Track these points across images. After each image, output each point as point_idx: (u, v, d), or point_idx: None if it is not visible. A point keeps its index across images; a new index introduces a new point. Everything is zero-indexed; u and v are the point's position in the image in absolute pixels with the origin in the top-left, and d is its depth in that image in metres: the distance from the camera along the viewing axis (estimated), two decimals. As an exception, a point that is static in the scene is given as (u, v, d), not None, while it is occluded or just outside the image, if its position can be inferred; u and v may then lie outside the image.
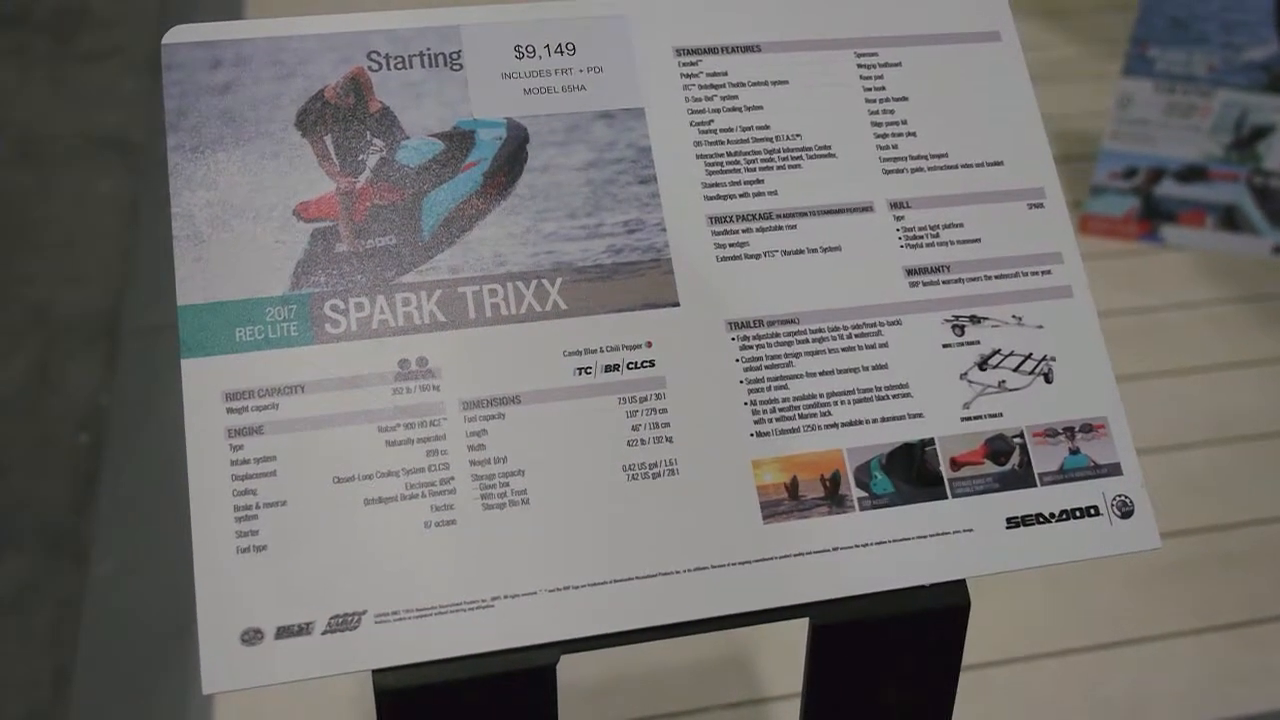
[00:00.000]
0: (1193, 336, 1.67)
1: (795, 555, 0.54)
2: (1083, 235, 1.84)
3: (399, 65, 0.59)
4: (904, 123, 0.62)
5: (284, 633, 0.50)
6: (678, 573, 0.53)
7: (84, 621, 1.28)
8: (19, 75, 2.16)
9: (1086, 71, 2.19)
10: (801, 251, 0.59)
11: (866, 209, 0.60)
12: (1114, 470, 0.59)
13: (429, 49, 0.59)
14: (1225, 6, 1.67)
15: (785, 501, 0.55)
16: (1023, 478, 0.58)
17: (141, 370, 1.58)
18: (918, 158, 0.62)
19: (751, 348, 0.57)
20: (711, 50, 0.61)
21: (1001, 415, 0.58)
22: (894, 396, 0.58)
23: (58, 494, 1.44)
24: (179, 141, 0.56)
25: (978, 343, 0.59)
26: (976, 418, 0.58)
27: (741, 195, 0.59)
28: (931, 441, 0.57)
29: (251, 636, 0.50)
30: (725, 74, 0.61)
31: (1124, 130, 1.78)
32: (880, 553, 0.55)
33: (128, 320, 1.67)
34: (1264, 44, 1.68)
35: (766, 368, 0.57)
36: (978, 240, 0.61)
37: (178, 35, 0.58)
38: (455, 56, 0.59)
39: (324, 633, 0.50)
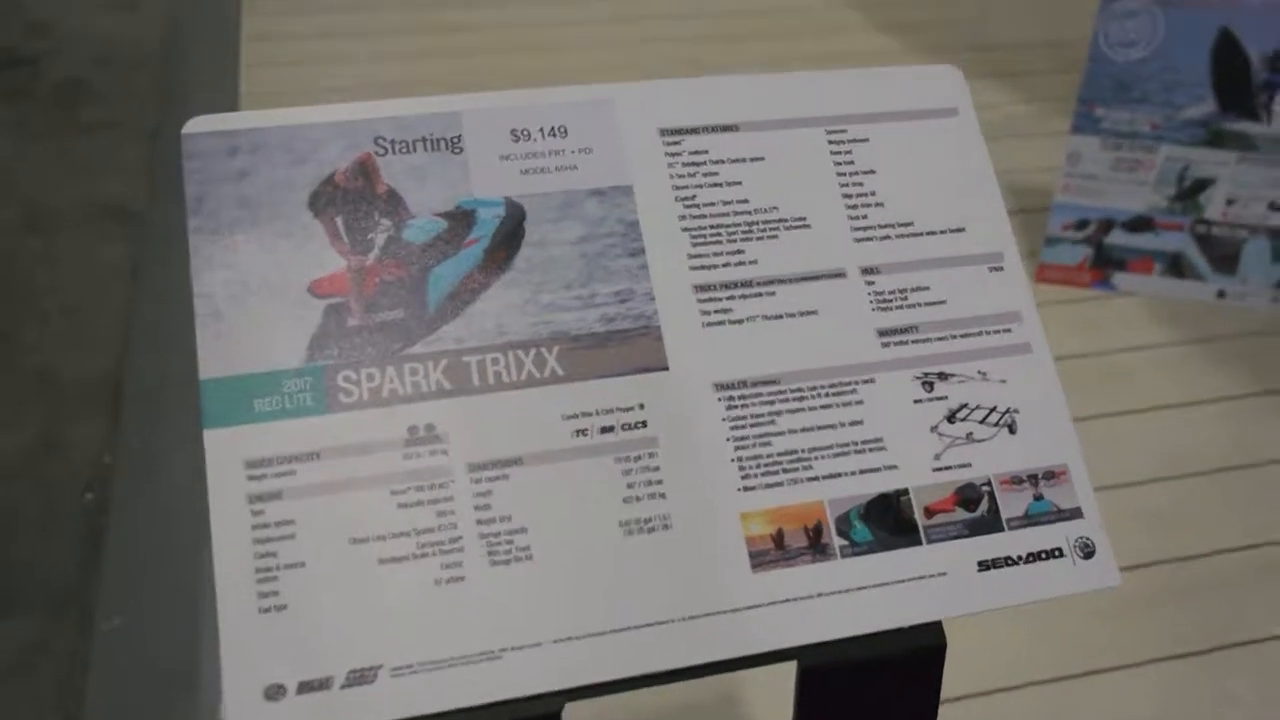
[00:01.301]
0: (1145, 377, 1.70)
1: (782, 602, 0.56)
2: (1039, 283, 1.88)
3: (404, 150, 0.61)
4: (872, 194, 0.65)
5: (305, 688, 0.51)
6: (674, 621, 0.55)
7: (91, 678, 1.27)
8: (23, 146, 2.18)
9: (1039, 129, 2.24)
10: (781, 316, 0.61)
11: (840, 275, 0.63)
12: (1075, 514, 0.61)
13: (431, 134, 0.61)
14: (1165, 69, 1.72)
15: (772, 551, 0.57)
16: (991, 523, 0.60)
17: (145, 430, 1.58)
18: (886, 226, 0.64)
19: (737, 407, 0.59)
20: (693, 130, 0.64)
21: (970, 465, 0.60)
22: (870, 450, 0.60)
23: (64, 553, 1.44)
24: (199, 224, 0.58)
25: (946, 398, 0.61)
26: (947, 468, 0.60)
27: (724, 265, 0.62)
28: (906, 491, 0.59)
29: (274, 692, 0.51)
30: (706, 152, 0.64)
31: (1075, 184, 1.82)
32: (861, 597, 0.57)
33: (130, 381, 1.67)
34: (1201, 103, 1.73)
35: (751, 426, 0.59)
36: (943, 302, 0.63)
37: (197, 125, 0.60)
38: (456, 141, 0.61)
39: (343, 687, 0.51)
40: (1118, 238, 1.84)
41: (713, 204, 0.63)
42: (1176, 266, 1.84)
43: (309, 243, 0.58)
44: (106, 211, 2.01)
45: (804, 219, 0.63)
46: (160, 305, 1.78)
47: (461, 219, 0.60)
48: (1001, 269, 0.65)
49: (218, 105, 2.20)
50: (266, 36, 2.44)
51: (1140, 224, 1.82)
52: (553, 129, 0.63)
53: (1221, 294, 1.85)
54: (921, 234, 0.64)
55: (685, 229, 0.62)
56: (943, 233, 0.65)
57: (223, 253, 0.58)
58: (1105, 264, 1.86)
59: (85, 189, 2.08)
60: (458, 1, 2.65)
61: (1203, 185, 1.78)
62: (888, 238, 0.64)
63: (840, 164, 0.65)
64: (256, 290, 0.57)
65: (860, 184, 0.65)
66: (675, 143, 0.63)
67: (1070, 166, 1.80)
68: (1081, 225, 1.84)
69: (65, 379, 1.70)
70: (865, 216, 0.64)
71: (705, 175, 0.63)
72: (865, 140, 0.66)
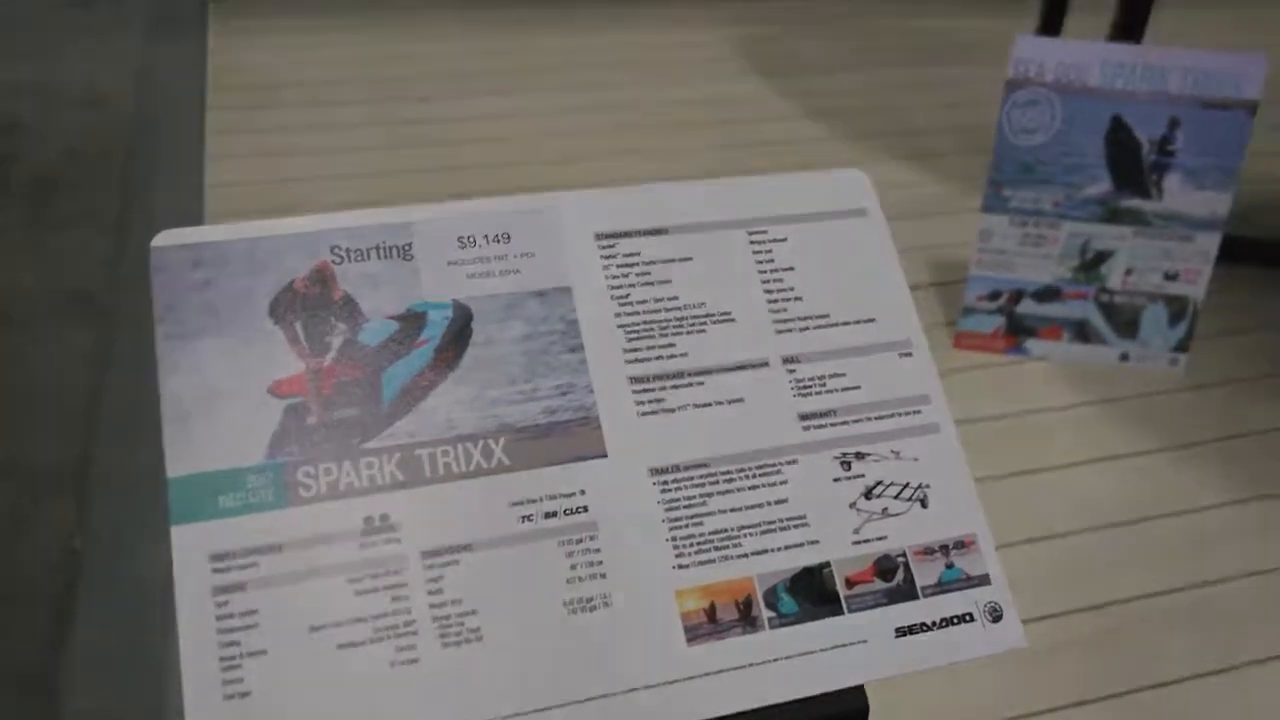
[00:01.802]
0: (1059, 436, 1.74)
1: (716, 673, 0.57)
2: (958, 350, 1.92)
3: (359, 258, 0.62)
4: (791, 289, 0.67)
5: (268, 770, 0.51)
6: (615, 694, 0.56)
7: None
8: (-6, 239, 2.16)
9: (954, 207, 2.31)
10: (710, 404, 0.63)
11: (764, 365, 0.65)
12: (984, 580, 0.63)
13: (384, 242, 0.63)
14: (1064, 153, 1.78)
15: (705, 625, 0.58)
16: (907, 592, 0.61)
17: (111, 514, 1.56)
18: (804, 319, 0.67)
19: (671, 490, 0.61)
20: (626, 234, 0.66)
21: (886, 538, 0.62)
22: (794, 526, 0.62)
23: (31, 636, 1.41)
24: (167, 332, 0.59)
25: (863, 476, 0.64)
26: (865, 541, 0.62)
27: (657, 358, 0.64)
28: (828, 564, 0.61)
29: (239, 776, 0.51)
30: (639, 254, 0.66)
31: (987, 258, 1.87)
32: (790, 666, 0.58)
33: (96, 466, 1.66)
34: (1098, 183, 1.79)
35: (684, 507, 0.61)
36: (858, 387, 0.66)
37: (165, 239, 0.61)
38: (407, 248, 0.63)
39: (305, 768, 0.52)
40: (1028, 307, 1.89)
41: (645, 301, 0.65)
42: (1083, 332, 1.90)
43: (270, 347, 0.60)
44: (75, 300, 1.99)
45: (729, 313, 0.66)
46: (127, 394, 1.76)
47: (413, 321, 0.62)
48: (910, 355, 0.67)
49: (183, 198, 2.20)
50: (231, 129, 2.45)
51: (1048, 294, 1.88)
52: (497, 235, 0.65)
53: (1125, 357, 1.90)
54: (836, 325, 0.67)
55: (620, 325, 0.64)
56: (856, 323, 0.67)
57: (189, 358, 0.59)
58: (1018, 331, 1.90)
59: (54, 279, 2.06)
60: (414, 95, 2.68)
61: (1103, 257, 1.84)
62: (806, 329, 0.66)
63: (761, 262, 0.67)
64: (220, 392, 0.58)
65: (780, 280, 0.67)
66: (610, 246, 0.66)
67: (982, 242, 1.86)
68: (995, 296, 1.89)
69: (33, 462, 1.67)
70: (785, 310, 0.66)
71: (638, 275, 0.65)
72: (784, 240, 0.68)
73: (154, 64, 2.75)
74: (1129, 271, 1.85)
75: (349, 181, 2.26)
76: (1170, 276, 1.85)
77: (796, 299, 0.67)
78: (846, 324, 0.67)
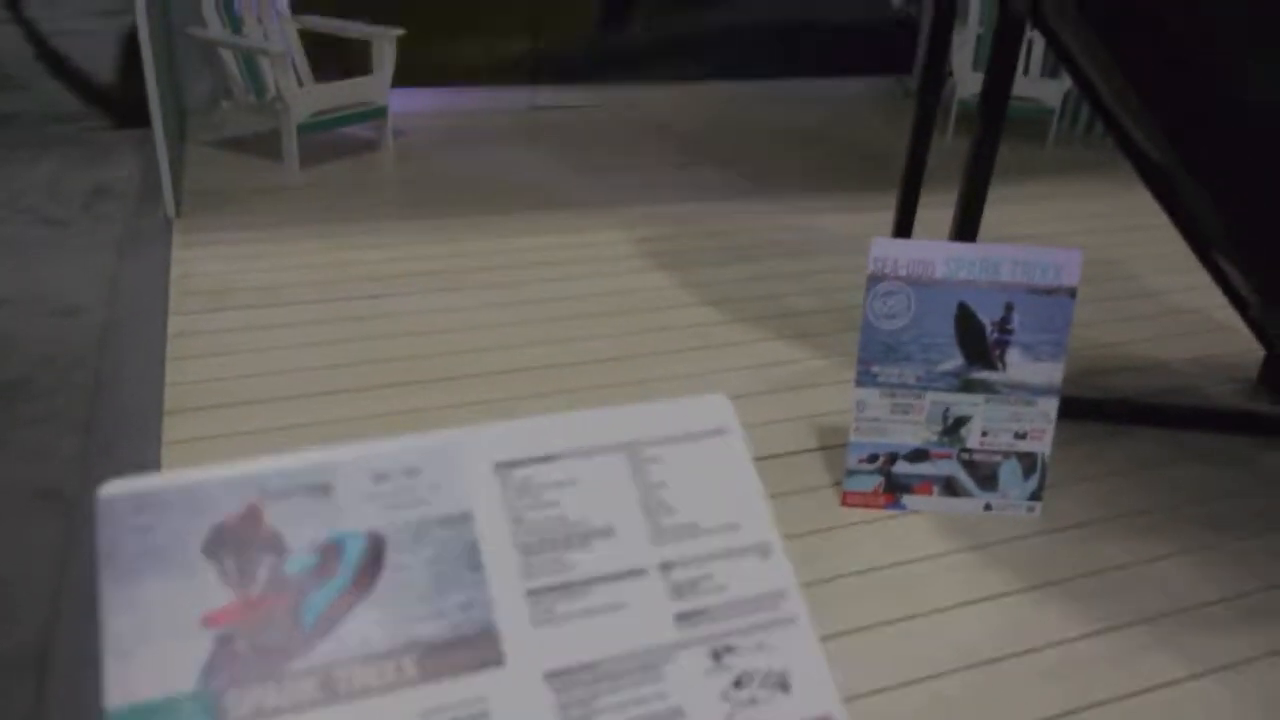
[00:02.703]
0: (934, 581, 1.78)
1: None
2: (845, 507, 1.97)
3: (284, 496, 0.65)
4: (664, 502, 0.71)
5: None
6: None
7: None
8: (-34, 442, 2.12)
9: (834, 379, 2.39)
10: (596, 611, 0.66)
11: (642, 573, 0.68)
12: (842, 755, 0.65)
13: (308, 481, 0.65)
14: (921, 334, 1.88)
15: (596, 817, 0.59)
16: (775, 772, 0.63)
17: (70, 699, 1.50)
18: (677, 529, 0.70)
19: (563, 692, 0.62)
20: (521, 462, 0.70)
21: (755, 723, 0.64)
22: (674, 717, 0.63)
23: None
24: (109, 574, 0.60)
25: (732, 667, 0.66)
26: (737, 727, 0.64)
27: (549, 572, 0.66)
28: (704, 751, 0.63)
29: None
30: (531, 479, 0.69)
31: (864, 426, 1.94)
32: None
33: (56, 653, 1.60)
34: (952, 359, 1.89)
35: (576, 706, 0.62)
36: (725, 587, 0.69)
37: (111, 489, 0.63)
38: (328, 486, 0.66)
39: None
40: (902, 467, 1.95)
41: (538, 522, 0.68)
42: (950, 487, 1.96)
43: (203, 582, 0.61)
44: (43, 495, 1.96)
45: (611, 528, 0.69)
46: (91, 583, 1.72)
47: (332, 551, 0.64)
48: (768, 555, 0.71)
49: (146, 396, 2.20)
50: (190, 332, 2.47)
51: (918, 455, 1.95)
52: (408, 470, 0.67)
53: (988, 507, 1.96)
54: (705, 532, 0.70)
55: (516, 545, 0.67)
56: (721, 530, 0.71)
57: (130, 598, 0.60)
58: (895, 489, 1.96)
59: (23, 475, 2.03)
60: (356, 295, 2.73)
61: (962, 422, 1.93)
62: (679, 538, 0.69)
63: (638, 480, 0.71)
64: (158, 627, 0.59)
65: (654, 495, 0.71)
66: (506, 473, 0.69)
67: (858, 412, 1.93)
68: (873, 459, 1.95)
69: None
70: (660, 522, 0.70)
71: (531, 498, 0.68)
72: (657, 459, 0.72)
73: (123, 276, 2.78)
74: (985, 433, 1.93)
75: (299, 373, 2.28)
76: (1020, 436, 1.93)
77: (669, 511, 0.70)
78: (713, 531, 0.70)
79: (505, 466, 0.69)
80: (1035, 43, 4.62)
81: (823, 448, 2.13)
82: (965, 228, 2.00)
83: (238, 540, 0.63)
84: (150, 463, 1.98)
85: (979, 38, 4.60)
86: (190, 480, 0.64)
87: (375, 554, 0.64)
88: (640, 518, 0.70)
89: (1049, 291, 1.87)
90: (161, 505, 0.63)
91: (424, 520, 0.66)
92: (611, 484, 0.70)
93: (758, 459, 2.09)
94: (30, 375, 2.34)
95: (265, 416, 2.14)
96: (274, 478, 0.65)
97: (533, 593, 0.65)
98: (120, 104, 4.00)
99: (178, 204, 3.16)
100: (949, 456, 1.94)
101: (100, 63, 3.97)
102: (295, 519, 0.64)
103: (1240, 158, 1.83)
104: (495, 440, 0.70)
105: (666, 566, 0.68)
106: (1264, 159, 1.78)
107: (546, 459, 0.70)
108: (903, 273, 1.86)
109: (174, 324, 2.50)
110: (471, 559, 0.65)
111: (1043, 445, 1.94)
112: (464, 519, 0.67)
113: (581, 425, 0.72)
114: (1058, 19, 1.98)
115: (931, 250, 1.86)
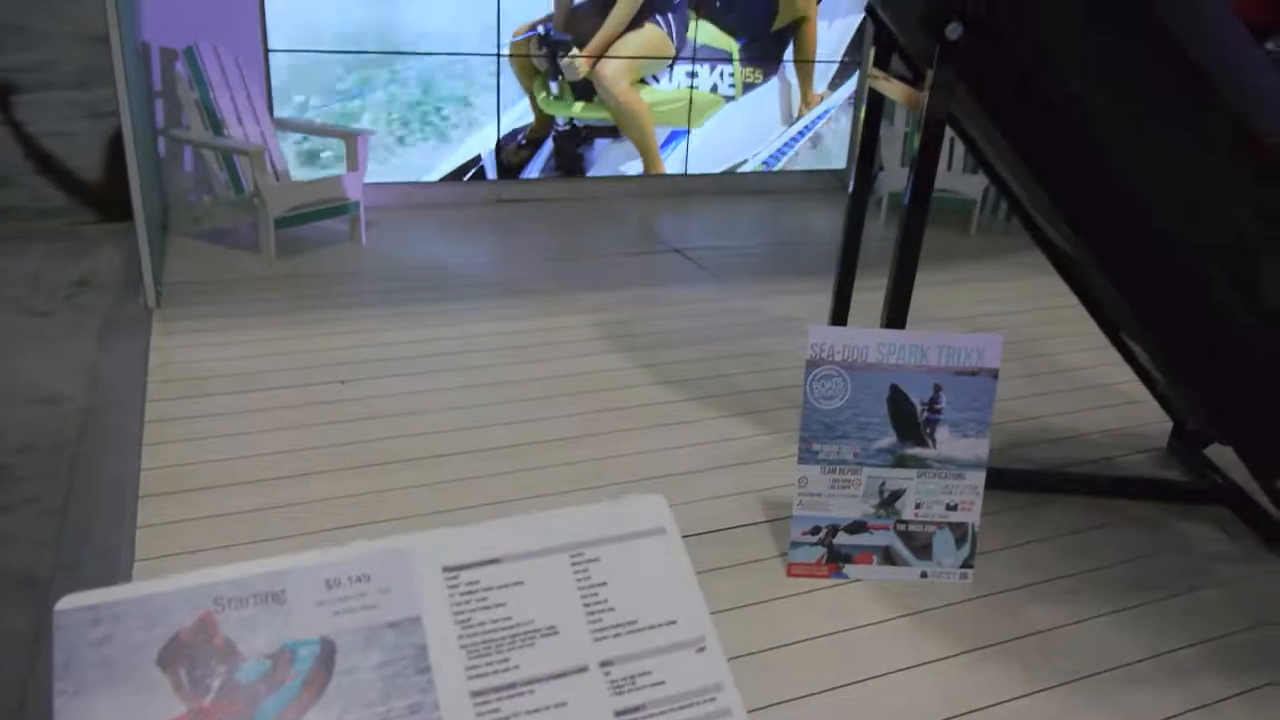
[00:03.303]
0: (873, 648, 1.77)
1: None
2: (790, 577, 1.96)
3: (238, 605, 0.63)
4: (605, 601, 0.70)
5: None
6: None
7: None
8: (-58, 530, 2.05)
9: (778, 454, 2.40)
10: (539, 710, 0.64)
11: (584, 670, 0.67)
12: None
13: (261, 590, 0.64)
14: (857, 414, 1.90)
15: None
16: None
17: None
18: (618, 625, 0.69)
19: (507, 791, 0.61)
20: (467, 566, 0.69)
21: (692, 816, 0.63)
22: (614, 813, 0.62)
23: None
24: (63, 688, 0.59)
25: (671, 760, 0.65)
26: (675, 820, 0.63)
27: (494, 672, 0.65)
28: (643, 846, 0.61)
29: None
30: (478, 581, 0.68)
31: (806, 500, 1.94)
32: None
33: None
34: (886, 436, 1.91)
35: (520, 806, 0.61)
36: (663, 682, 0.68)
37: (68, 602, 0.61)
38: (280, 594, 0.64)
39: None
40: (842, 539, 1.95)
41: (484, 623, 0.67)
42: (888, 557, 1.96)
43: (156, 694, 0.59)
44: (16, 581, 1.89)
45: (554, 627, 0.68)
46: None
47: (284, 658, 0.62)
48: (704, 649, 0.70)
49: (123, 481, 2.15)
50: (167, 418, 2.43)
51: (857, 527, 1.95)
52: (358, 576, 0.66)
53: (924, 575, 1.96)
54: (644, 629, 0.70)
55: (463, 646, 0.66)
56: (660, 626, 0.70)
57: (83, 711, 0.58)
58: (836, 559, 1.96)
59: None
60: (329, 380, 2.71)
61: (897, 495, 1.94)
62: (619, 635, 0.69)
63: (580, 580, 0.70)
64: (109, 740, 0.57)
65: (595, 594, 0.70)
66: (454, 577, 0.68)
67: (801, 487, 1.93)
68: (815, 530, 1.95)
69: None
70: (601, 620, 0.69)
71: (478, 600, 0.68)
72: (598, 559, 0.72)
73: (103, 364, 2.73)
74: (918, 505, 1.94)
75: (268, 459, 2.25)
76: (951, 507, 1.95)
77: (610, 609, 0.70)
78: (652, 627, 0.70)
79: (454, 569, 0.69)
80: (957, 141, 4.77)
81: (769, 520, 2.13)
82: (895, 311, 2.04)
83: (191, 651, 0.61)
84: (124, 545, 1.93)
85: (906, 135, 4.75)
86: (146, 592, 0.62)
87: (326, 660, 0.63)
88: (582, 616, 0.69)
89: (973, 373, 1.90)
90: (117, 617, 0.61)
91: (373, 625, 0.65)
92: (555, 584, 0.70)
93: (708, 533, 2.08)
94: (10, 462, 2.28)
95: (238, 499, 2.10)
96: (228, 587, 0.64)
97: (479, 693, 0.64)
98: (105, 199, 3.98)
99: (158, 294, 3.14)
100: (886, 528, 1.95)
101: (86, 160, 3.96)
102: (248, 627, 0.63)
103: (1138, 246, 1.89)
104: (444, 544, 0.69)
105: (607, 664, 0.68)
106: (1158, 246, 1.84)
107: (493, 561, 0.69)
108: (838, 358, 1.89)
109: (151, 410, 2.45)
110: (419, 662, 0.64)
111: (972, 516, 1.95)
112: (413, 623, 0.66)
113: (527, 529, 0.72)
114: (966, 119, 2.05)
115: (864, 337, 1.89)
